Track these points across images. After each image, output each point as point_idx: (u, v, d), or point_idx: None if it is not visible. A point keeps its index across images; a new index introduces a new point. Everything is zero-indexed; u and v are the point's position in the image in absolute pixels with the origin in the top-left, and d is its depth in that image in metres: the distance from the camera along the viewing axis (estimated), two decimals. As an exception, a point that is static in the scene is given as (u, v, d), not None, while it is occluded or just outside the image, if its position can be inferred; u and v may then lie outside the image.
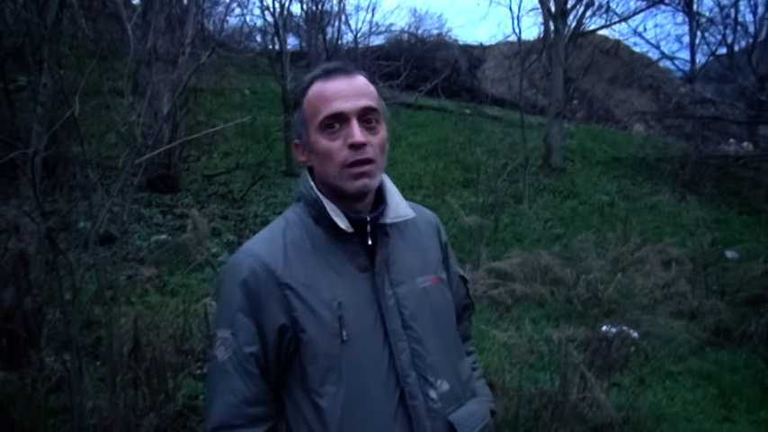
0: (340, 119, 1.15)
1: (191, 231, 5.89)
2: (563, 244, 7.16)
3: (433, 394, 1.17)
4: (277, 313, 1.12)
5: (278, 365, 1.15)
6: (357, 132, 1.14)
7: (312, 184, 1.20)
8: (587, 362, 3.42)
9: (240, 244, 5.45)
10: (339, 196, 1.18)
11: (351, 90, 1.16)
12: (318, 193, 1.18)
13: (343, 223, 1.15)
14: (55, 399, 2.92)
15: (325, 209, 1.16)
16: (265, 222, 7.02)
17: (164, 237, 6.09)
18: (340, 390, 1.12)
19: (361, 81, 1.19)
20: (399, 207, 1.23)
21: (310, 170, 1.23)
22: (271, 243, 1.18)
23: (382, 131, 1.20)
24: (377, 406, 1.13)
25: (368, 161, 1.15)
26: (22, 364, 2.91)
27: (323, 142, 1.16)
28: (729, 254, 7.16)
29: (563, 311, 5.24)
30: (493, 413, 1.34)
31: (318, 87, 1.18)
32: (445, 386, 1.19)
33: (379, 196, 1.24)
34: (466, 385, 1.27)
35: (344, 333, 1.12)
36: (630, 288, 5.48)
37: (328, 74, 1.18)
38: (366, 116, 1.17)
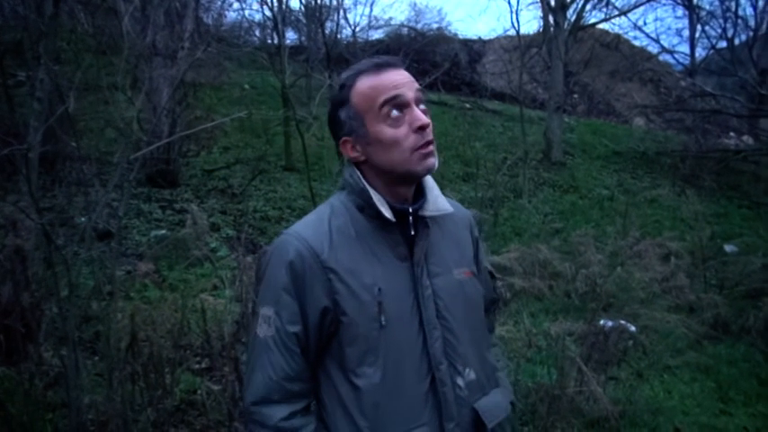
0: (401, 106, 1.19)
1: (190, 226, 5.90)
2: (562, 238, 7.16)
3: (460, 382, 1.22)
4: (320, 295, 1.17)
5: (318, 345, 1.19)
6: (422, 115, 1.20)
7: (359, 174, 1.24)
8: (585, 356, 3.43)
9: (239, 239, 5.47)
10: (399, 182, 1.23)
11: (405, 79, 1.22)
12: (366, 184, 1.22)
13: (387, 212, 1.20)
14: (53, 394, 2.93)
15: (371, 198, 1.21)
16: (265, 217, 7.03)
17: (163, 232, 6.09)
18: (377, 372, 1.16)
19: (407, 73, 1.25)
20: (438, 201, 1.27)
21: (357, 165, 1.26)
22: (317, 228, 1.22)
23: (429, 116, 1.26)
24: (410, 390, 1.18)
25: (432, 141, 1.22)
26: (20, 360, 2.92)
27: (388, 131, 1.19)
28: (728, 248, 7.16)
29: (561, 306, 5.25)
30: (513, 405, 1.38)
31: (371, 80, 1.21)
32: (472, 375, 1.24)
33: (419, 190, 1.28)
34: (491, 376, 1.32)
35: (383, 318, 1.17)
36: (629, 282, 5.48)
37: (380, 67, 1.23)
38: (419, 102, 1.22)
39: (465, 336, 1.25)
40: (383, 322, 1.17)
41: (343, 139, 1.26)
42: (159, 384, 2.83)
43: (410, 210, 1.24)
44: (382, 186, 1.24)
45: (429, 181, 1.29)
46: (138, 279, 4.80)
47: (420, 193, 1.28)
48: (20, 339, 2.97)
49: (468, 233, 1.38)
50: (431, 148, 1.21)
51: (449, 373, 1.21)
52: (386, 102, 1.19)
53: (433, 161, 1.22)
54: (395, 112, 1.19)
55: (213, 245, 5.84)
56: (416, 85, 1.23)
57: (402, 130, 1.19)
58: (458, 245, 1.33)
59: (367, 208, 1.23)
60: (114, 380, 2.63)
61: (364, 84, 1.22)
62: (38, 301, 3.26)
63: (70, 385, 2.50)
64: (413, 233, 1.24)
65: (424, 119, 1.20)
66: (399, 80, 1.21)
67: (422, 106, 1.23)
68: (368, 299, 1.17)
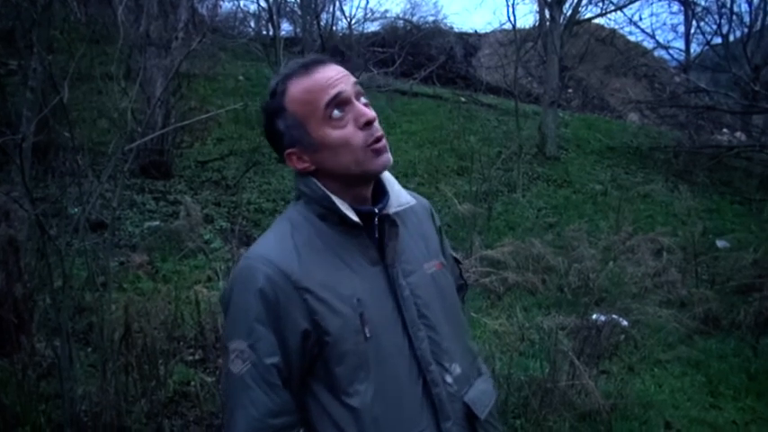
0: (342, 104, 1.12)
1: (183, 218, 5.89)
2: (556, 233, 7.19)
3: (448, 379, 1.19)
4: (298, 319, 1.08)
5: (301, 371, 1.11)
6: (367, 110, 1.13)
7: (316, 181, 1.17)
8: (577, 350, 3.46)
9: (233, 231, 5.46)
10: (356, 184, 1.17)
11: (339, 74, 1.14)
12: (325, 190, 1.15)
13: (354, 216, 1.14)
14: (46, 385, 2.93)
15: (334, 204, 1.14)
16: (259, 210, 7.02)
17: (156, 223, 6.07)
18: (369, 387, 1.11)
19: (339, 67, 1.17)
20: (401, 195, 1.22)
21: (308, 175, 1.18)
22: (281, 246, 1.13)
23: (372, 109, 1.19)
24: (405, 397, 1.14)
25: (382, 136, 1.15)
26: (12, 351, 2.91)
27: (334, 133, 1.12)
28: (720, 243, 7.20)
29: (554, 300, 5.27)
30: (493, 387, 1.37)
31: (304, 82, 1.13)
32: (458, 369, 1.21)
33: (378, 187, 1.23)
34: (473, 364, 1.30)
35: (367, 330, 1.11)
36: (621, 277, 5.51)
37: (308, 66, 1.15)
38: (359, 96, 1.15)
39: (446, 330, 1.21)
40: (368, 334, 1.11)
41: (288, 151, 1.17)
42: (153, 376, 2.83)
43: (376, 210, 1.18)
44: (340, 191, 1.16)
45: (387, 176, 1.23)
46: (132, 270, 4.79)
47: (380, 191, 1.22)
48: (12, 330, 2.96)
49: (430, 223, 1.34)
50: (383, 143, 1.14)
51: (439, 372, 1.17)
52: (329, 103, 1.11)
53: (388, 156, 1.15)
54: (336, 112, 1.12)
55: (207, 236, 5.83)
56: (353, 79, 1.16)
57: (348, 130, 1.12)
58: (423, 238, 1.28)
59: (330, 215, 1.15)
60: (108, 371, 2.63)
61: (297, 87, 1.13)
62: (30, 291, 3.25)
63: (63, 376, 2.50)
64: (380, 234, 1.19)
65: (370, 113, 1.13)
66: (333, 76, 1.13)
67: (363, 100, 1.15)
68: (349, 312, 1.10)
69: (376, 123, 1.14)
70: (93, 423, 2.57)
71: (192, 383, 3.19)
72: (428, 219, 1.34)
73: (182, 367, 3.34)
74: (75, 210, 4.18)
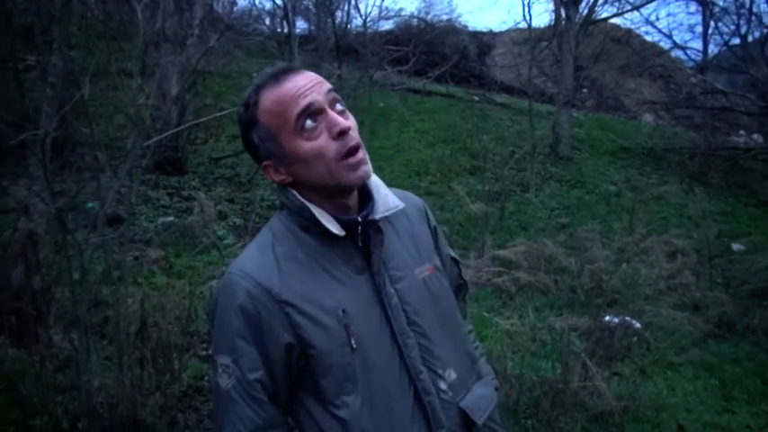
0: (314, 114, 1.08)
1: (197, 214, 5.94)
2: (568, 233, 7.16)
3: (443, 386, 1.17)
4: (281, 333, 1.08)
5: (288, 383, 1.11)
6: (340, 119, 1.09)
7: (295, 192, 1.14)
8: (589, 351, 3.45)
9: (246, 227, 5.48)
10: (335, 195, 1.14)
11: (311, 81, 1.10)
12: (304, 201, 1.12)
13: (335, 228, 1.11)
14: (63, 376, 2.97)
15: (313, 215, 1.11)
16: (272, 206, 7.05)
17: (170, 219, 6.13)
18: (357, 398, 1.09)
19: (312, 74, 1.12)
20: (388, 199, 1.18)
21: (289, 186, 1.16)
22: (262, 260, 1.12)
23: (352, 117, 1.14)
24: (395, 407, 1.12)
25: (358, 146, 1.10)
26: (30, 342, 2.96)
27: (306, 145, 1.08)
28: (735, 246, 7.14)
29: (566, 301, 5.26)
30: (496, 389, 1.34)
31: (274, 93, 1.10)
32: (453, 375, 1.19)
33: (364, 192, 1.19)
34: (471, 369, 1.27)
35: (353, 341, 1.09)
36: (634, 279, 5.48)
37: (278, 76, 1.11)
38: (335, 104, 1.11)
39: (439, 336, 1.18)
40: (354, 345, 1.08)
41: (264, 164, 1.14)
42: (167, 369, 2.87)
43: (359, 219, 1.14)
44: (321, 201, 1.13)
45: (374, 179, 1.19)
46: (147, 265, 4.84)
47: (366, 196, 1.18)
48: (30, 322, 3.01)
49: (424, 225, 1.30)
50: (360, 155, 1.10)
51: (431, 380, 1.15)
52: (300, 115, 1.07)
53: (366, 169, 1.11)
54: (309, 123, 1.07)
55: (220, 233, 5.87)
56: (327, 86, 1.11)
57: (321, 140, 1.08)
58: (415, 241, 1.24)
59: (312, 226, 1.13)
60: (123, 364, 2.67)
61: (268, 98, 1.10)
62: (48, 284, 3.30)
63: (81, 368, 2.54)
64: (365, 242, 1.15)
65: (343, 122, 1.08)
66: (304, 85, 1.09)
67: (339, 107, 1.11)
68: (333, 324, 1.08)
69: (352, 132, 1.10)
70: (110, 415, 2.61)
71: (206, 378, 3.23)
72: (421, 220, 1.30)
73: (195, 362, 3.38)
74: (92, 204, 4.23)
